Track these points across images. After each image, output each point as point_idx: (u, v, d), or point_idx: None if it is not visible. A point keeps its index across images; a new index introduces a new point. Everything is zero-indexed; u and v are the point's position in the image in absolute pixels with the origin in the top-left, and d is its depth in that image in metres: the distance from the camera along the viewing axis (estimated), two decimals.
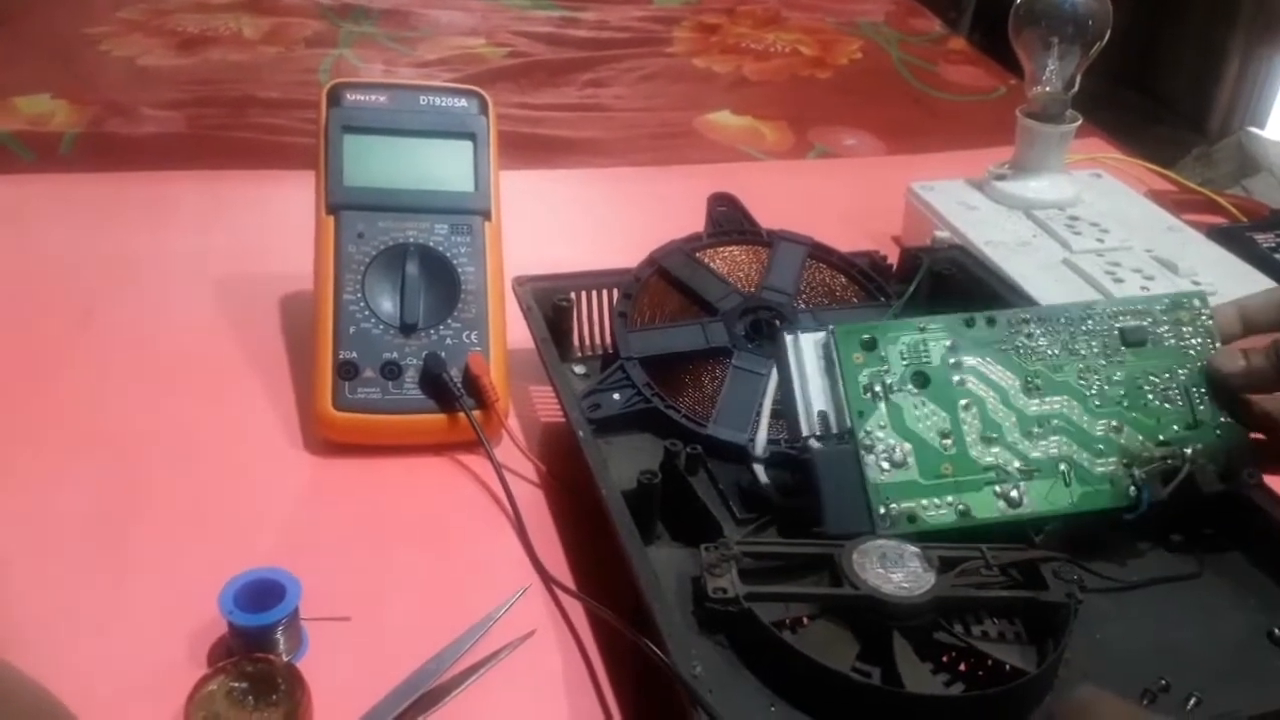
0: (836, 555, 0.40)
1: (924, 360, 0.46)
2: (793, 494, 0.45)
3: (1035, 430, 0.45)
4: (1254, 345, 0.46)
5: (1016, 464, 0.44)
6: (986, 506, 0.43)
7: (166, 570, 0.46)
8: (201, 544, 0.47)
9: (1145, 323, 0.48)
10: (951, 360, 0.46)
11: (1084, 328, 0.48)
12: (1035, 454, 0.45)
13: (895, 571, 0.40)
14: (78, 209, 0.75)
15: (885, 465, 0.44)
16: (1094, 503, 0.44)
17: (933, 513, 0.43)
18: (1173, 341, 0.48)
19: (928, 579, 0.39)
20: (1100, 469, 0.45)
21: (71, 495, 0.49)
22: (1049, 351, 0.47)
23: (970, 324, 0.47)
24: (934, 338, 0.46)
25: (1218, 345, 0.47)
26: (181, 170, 0.81)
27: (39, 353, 0.59)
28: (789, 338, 0.46)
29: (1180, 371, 0.47)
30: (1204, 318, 0.48)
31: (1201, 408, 0.46)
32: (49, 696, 0.34)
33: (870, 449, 0.44)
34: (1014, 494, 0.44)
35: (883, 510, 0.43)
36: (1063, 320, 0.48)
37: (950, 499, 0.43)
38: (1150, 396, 0.47)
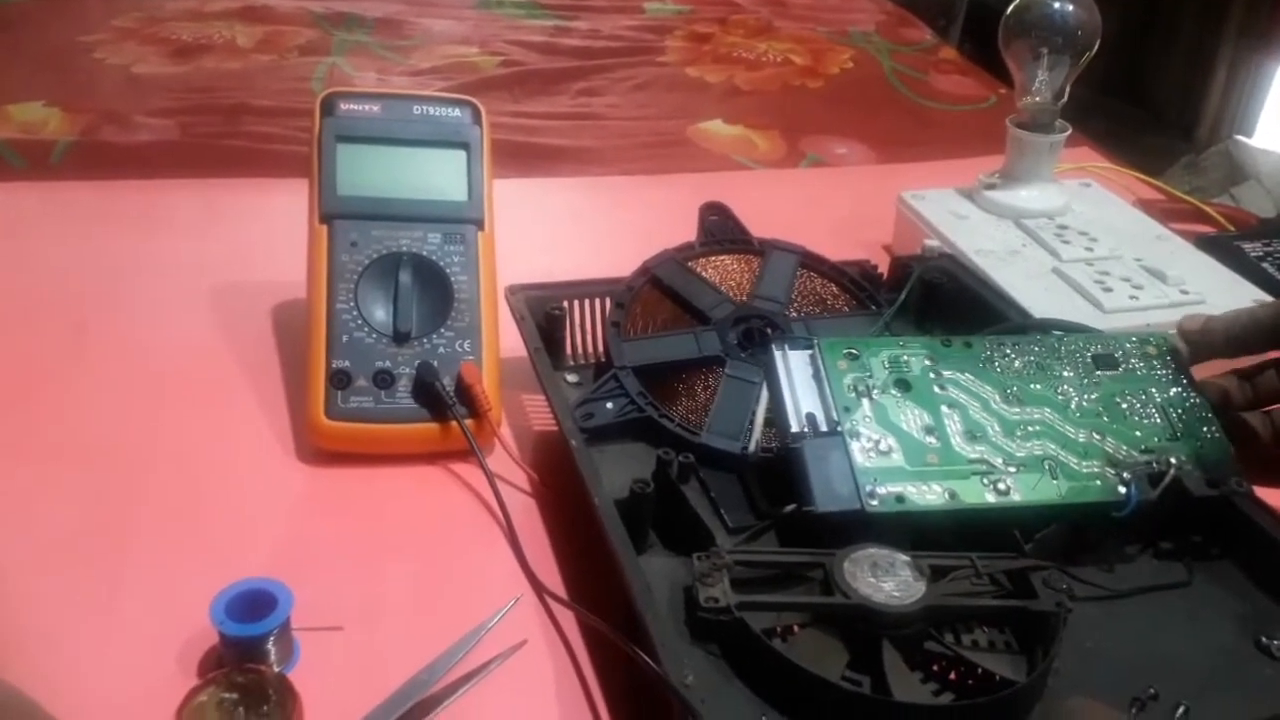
0: (828, 564, 0.41)
1: (905, 370, 0.47)
2: (783, 498, 0.46)
3: (1018, 433, 0.46)
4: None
5: (1001, 460, 0.45)
6: (975, 493, 0.44)
7: (157, 580, 0.46)
8: (193, 553, 0.47)
9: (1116, 353, 0.49)
10: (932, 374, 0.47)
11: (1058, 354, 0.49)
12: (1020, 453, 0.45)
13: (886, 580, 0.40)
14: (70, 217, 0.75)
15: (871, 454, 0.44)
16: (1082, 495, 0.44)
17: (920, 497, 0.43)
18: (1144, 371, 0.49)
19: (918, 588, 0.40)
20: (1085, 470, 0.45)
21: (62, 505, 0.49)
22: (1026, 371, 0.48)
23: (947, 344, 0.49)
24: (914, 354, 0.48)
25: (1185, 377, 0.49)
26: (175, 179, 0.81)
27: (30, 362, 0.59)
28: (777, 352, 0.48)
29: (1156, 394, 0.48)
30: (1168, 358, 0.49)
31: (1180, 425, 0.47)
32: (39, 709, 0.34)
33: (856, 436, 0.45)
34: (1001, 485, 0.44)
35: (869, 488, 0.43)
36: (1037, 348, 0.49)
37: (937, 486, 0.44)
38: (1128, 412, 0.47)
